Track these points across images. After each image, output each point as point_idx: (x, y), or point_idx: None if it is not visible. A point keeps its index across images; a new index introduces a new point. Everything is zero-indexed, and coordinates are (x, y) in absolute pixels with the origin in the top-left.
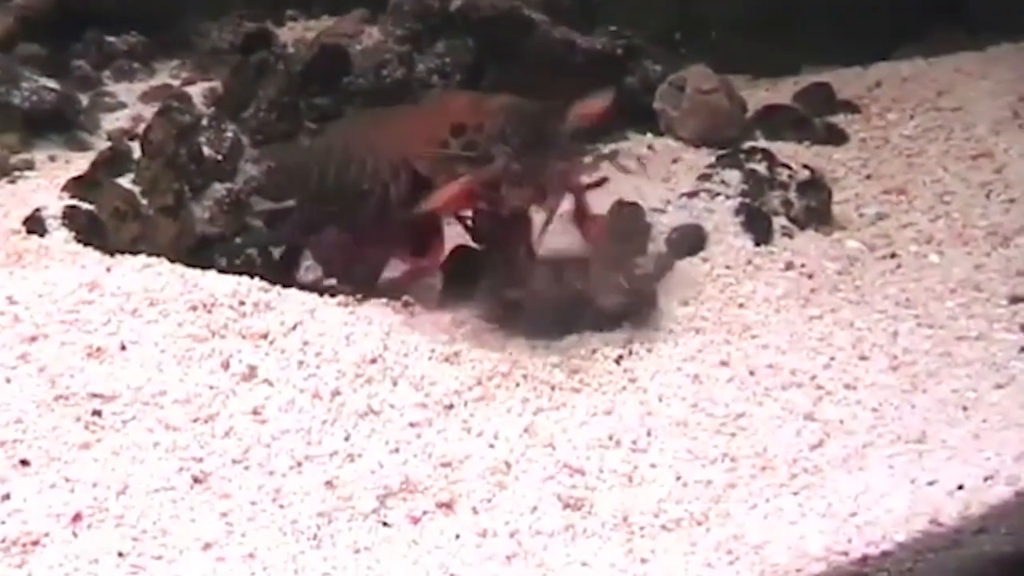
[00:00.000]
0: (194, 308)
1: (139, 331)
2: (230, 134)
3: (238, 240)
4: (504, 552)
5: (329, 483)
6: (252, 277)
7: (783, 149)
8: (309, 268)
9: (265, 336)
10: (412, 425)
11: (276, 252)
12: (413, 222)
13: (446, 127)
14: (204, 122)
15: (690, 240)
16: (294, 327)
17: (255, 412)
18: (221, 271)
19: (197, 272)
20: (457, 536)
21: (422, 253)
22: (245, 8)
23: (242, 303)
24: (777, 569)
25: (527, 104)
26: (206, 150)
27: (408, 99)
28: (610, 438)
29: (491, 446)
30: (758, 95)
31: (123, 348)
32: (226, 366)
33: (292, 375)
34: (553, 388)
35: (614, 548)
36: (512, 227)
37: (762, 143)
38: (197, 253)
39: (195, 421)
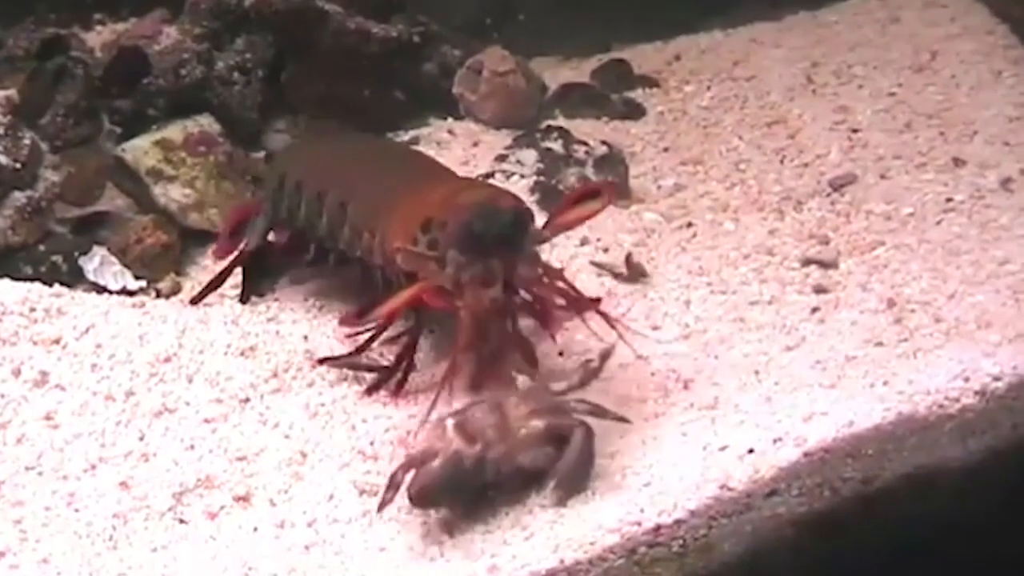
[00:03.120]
0: None
1: None
2: (27, 141)
3: (42, 248)
4: (302, 542)
5: (124, 484)
6: (51, 285)
7: (581, 126)
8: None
9: (57, 341)
10: (207, 421)
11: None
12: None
13: (423, 213)
14: (0, 131)
15: None
16: (87, 330)
17: (47, 417)
18: (26, 280)
19: None
20: (255, 529)
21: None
22: (49, 14)
23: (33, 309)
24: (571, 542)
25: (498, 203)
26: (3, 159)
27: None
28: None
29: (287, 437)
30: (563, 74)
31: None
32: (17, 373)
33: (85, 378)
34: (347, 378)
35: (412, 531)
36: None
37: (561, 122)
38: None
39: None
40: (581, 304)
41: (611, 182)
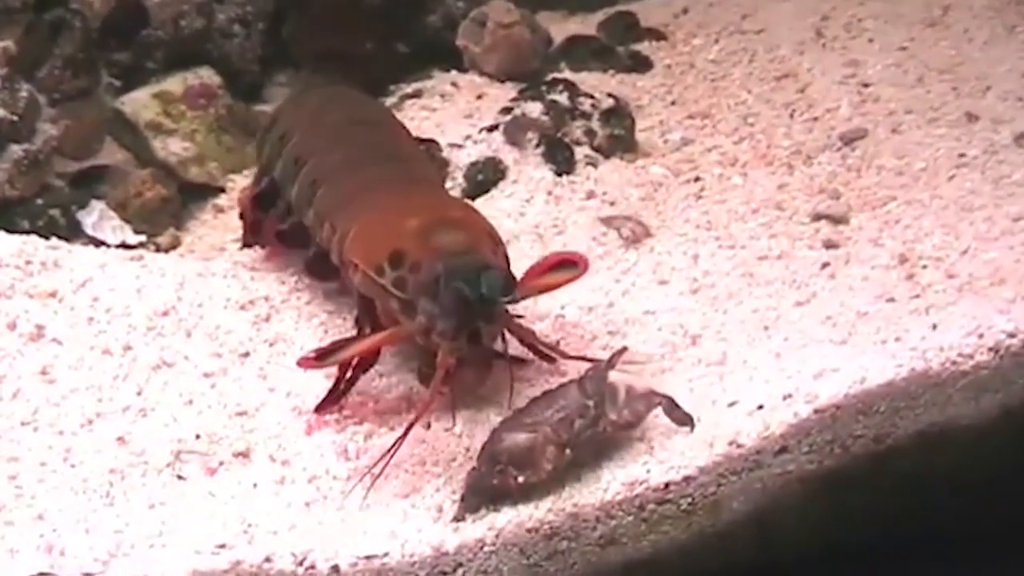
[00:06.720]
0: None
1: None
2: (25, 94)
3: (39, 201)
4: (303, 498)
5: (121, 439)
6: (48, 239)
7: (587, 79)
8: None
9: (53, 294)
10: (206, 375)
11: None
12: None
13: (393, 241)
14: None
15: (489, 173)
16: (83, 283)
17: (43, 372)
18: (24, 234)
19: None
20: (255, 485)
21: None
22: None
23: (28, 262)
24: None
25: (476, 255)
26: (0, 111)
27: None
28: None
29: (288, 393)
30: (568, 27)
31: None
32: (13, 327)
33: (82, 332)
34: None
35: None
36: None
37: (567, 74)
38: None
39: None
40: (551, 354)
41: (584, 255)
